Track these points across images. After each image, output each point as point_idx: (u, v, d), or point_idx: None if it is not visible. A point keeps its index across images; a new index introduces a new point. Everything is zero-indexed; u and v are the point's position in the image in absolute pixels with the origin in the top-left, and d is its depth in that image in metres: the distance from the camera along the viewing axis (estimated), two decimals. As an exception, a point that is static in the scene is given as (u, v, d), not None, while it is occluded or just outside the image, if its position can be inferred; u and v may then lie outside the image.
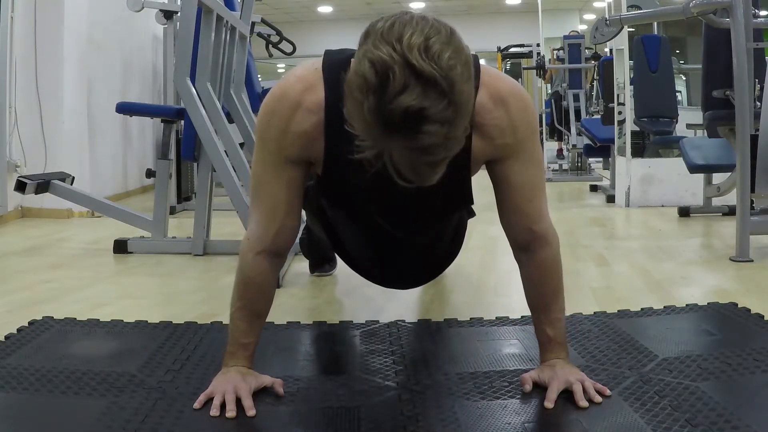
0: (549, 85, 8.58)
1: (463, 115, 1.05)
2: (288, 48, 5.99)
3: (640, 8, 4.72)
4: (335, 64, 1.28)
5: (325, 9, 12.12)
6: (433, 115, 1.01)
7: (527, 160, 1.37)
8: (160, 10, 5.17)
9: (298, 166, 1.38)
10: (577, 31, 8.69)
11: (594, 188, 6.04)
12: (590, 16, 11.33)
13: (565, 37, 7.74)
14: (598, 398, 1.34)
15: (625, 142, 5.16)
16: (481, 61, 1.37)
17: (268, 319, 1.95)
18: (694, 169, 3.84)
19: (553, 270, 1.43)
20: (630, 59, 5.24)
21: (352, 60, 1.08)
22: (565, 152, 8.24)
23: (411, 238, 1.72)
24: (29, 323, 1.90)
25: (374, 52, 1.02)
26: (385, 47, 1.02)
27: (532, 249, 1.42)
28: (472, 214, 2.00)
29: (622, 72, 5.39)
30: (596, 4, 10.99)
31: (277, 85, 1.36)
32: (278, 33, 5.88)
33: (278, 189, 1.38)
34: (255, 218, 1.41)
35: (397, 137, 1.04)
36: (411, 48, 1.02)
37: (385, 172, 1.10)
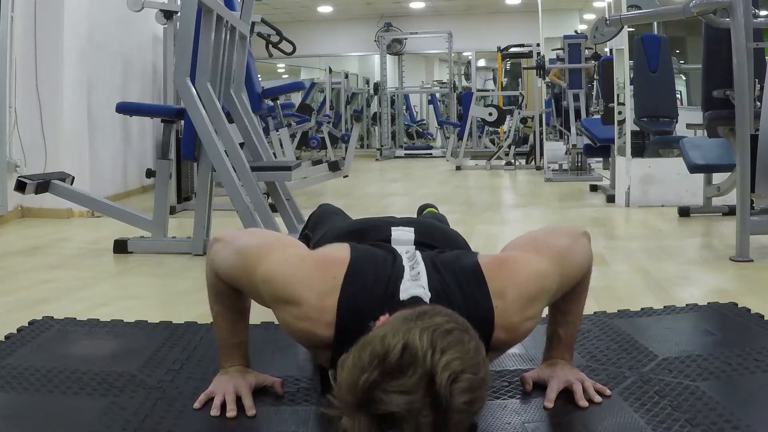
0: (549, 85, 8.57)
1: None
2: (288, 48, 5.99)
3: (640, 8, 4.72)
4: (351, 322, 1.20)
5: (325, 9, 12.11)
6: (406, 429, 0.94)
7: (558, 293, 1.33)
8: (160, 10, 5.17)
9: None
10: (578, 31, 8.70)
11: (594, 188, 6.04)
12: (590, 16, 11.32)
13: (566, 37, 7.74)
14: (598, 398, 1.34)
15: (625, 142, 5.15)
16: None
17: (267, 320, 1.95)
18: (694, 169, 3.84)
19: (582, 281, 1.42)
20: (630, 59, 5.24)
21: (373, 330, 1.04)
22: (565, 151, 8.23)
23: None
24: (29, 323, 1.90)
25: (411, 337, 0.96)
26: (423, 339, 0.96)
27: None
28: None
29: (622, 72, 5.39)
30: (596, 4, 10.98)
31: (293, 288, 1.24)
32: (278, 33, 5.88)
33: (251, 294, 1.34)
34: (228, 263, 1.33)
35: (362, 419, 0.96)
36: (445, 368, 0.94)
37: None
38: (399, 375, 0.93)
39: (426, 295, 1.20)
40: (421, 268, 1.27)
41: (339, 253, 1.31)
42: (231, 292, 1.37)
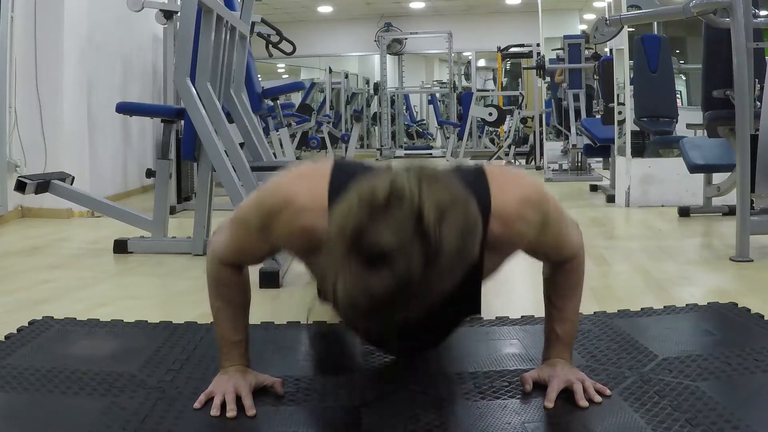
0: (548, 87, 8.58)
1: (443, 263, 0.97)
2: (288, 48, 5.99)
3: (640, 8, 4.72)
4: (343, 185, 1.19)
5: (325, 9, 12.10)
6: (397, 266, 0.94)
7: (549, 231, 1.32)
8: (160, 10, 5.17)
9: (284, 249, 1.35)
10: (585, 32, 8.68)
11: (594, 188, 6.04)
12: (590, 16, 11.32)
13: (566, 37, 7.74)
14: (598, 398, 1.34)
15: (625, 142, 5.15)
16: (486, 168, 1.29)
17: (268, 319, 1.95)
18: (694, 169, 3.84)
19: (574, 271, 1.41)
20: (630, 59, 5.24)
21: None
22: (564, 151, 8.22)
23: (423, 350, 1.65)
24: (29, 323, 1.90)
25: (398, 177, 0.96)
26: (410, 178, 0.96)
27: (561, 264, 1.42)
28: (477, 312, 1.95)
29: (622, 72, 5.39)
30: (596, 4, 10.98)
31: (283, 190, 1.26)
32: (278, 33, 5.88)
33: (255, 247, 1.34)
34: (226, 240, 1.36)
35: (353, 263, 0.96)
36: (433, 204, 0.94)
37: None
38: (386, 213, 0.94)
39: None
40: None
41: (320, 163, 1.32)
42: (234, 281, 1.38)
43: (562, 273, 1.41)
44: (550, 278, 1.43)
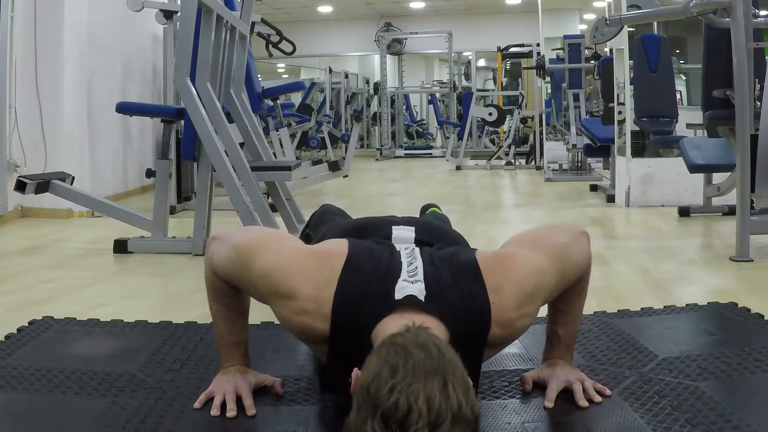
0: (549, 86, 8.58)
1: None
2: (288, 48, 5.99)
3: (640, 8, 4.71)
4: (347, 318, 1.21)
5: (325, 9, 12.10)
6: None
7: (554, 288, 1.32)
8: (160, 10, 5.17)
9: None
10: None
11: (594, 188, 6.04)
12: (590, 16, 11.33)
13: (566, 37, 7.74)
14: (598, 398, 1.34)
15: (625, 142, 5.15)
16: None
17: (267, 319, 1.95)
18: (694, 168, 3.84)
19: (580, 281, 1.42)
20: (630, 59, 5.24)
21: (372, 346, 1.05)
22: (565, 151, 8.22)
23: None
24: (29, 323, 1.90)
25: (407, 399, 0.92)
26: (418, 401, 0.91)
27: None
28: None
29: (622, 72, 5.39)
30: (596, 4, 10.99)
31: (289, 281, 1.24)
32: (278, 33, 5.88)
33: (250, 292, 1.35)
34: (226, 258, 1.34)
35: None
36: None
37: None
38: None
39: (421, 293, 1.20)
40: (419, 263, 1.27)
41: (337, 247, 1.31)
42: (230, 291, 1.37)
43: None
44: None
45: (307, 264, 1.26)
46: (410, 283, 1.22)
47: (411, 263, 1.27)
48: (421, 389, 0.93)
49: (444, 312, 1.20)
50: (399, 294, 1.20)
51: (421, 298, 1.20)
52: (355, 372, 1.04)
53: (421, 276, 1.24)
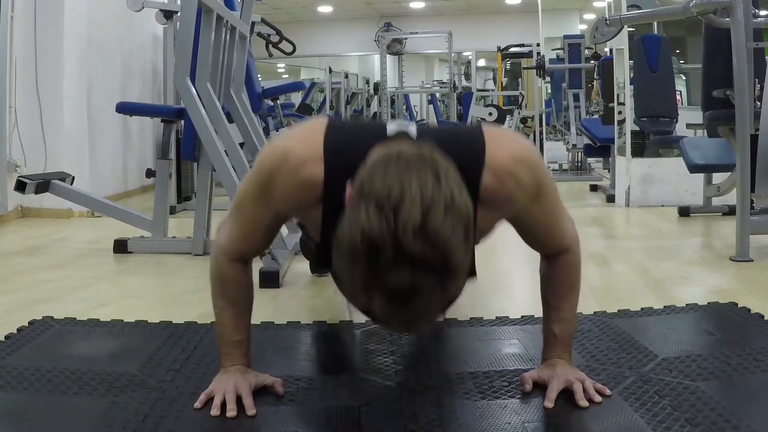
0: (549, 86, 8.58)
1: (458, 276, 1.02)
2: (288, 48, 5.99)
3: (640, 8, 4.72)
4: (339, 152, 1.23)
5: (325, 9, 12.09)
6: (424, 290, 0.99)
7: (542, 204, 1.32)
8: (160, 10, 5.17)
9: (286, 217, 1.39)
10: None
11: (594, 188, 6.04)
12: (590, 16, 11.32)
13: (566, 37, 7.73)
14: (598, 398, 1.34)
15: (625, 142, 5.15)
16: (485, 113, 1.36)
17: (267, 319, 1.95)
18: (694, 168, 3.84)
19: (570, 270, 1.41)
20: (630, 59, 5.24)
21: (358, 171, 1.06)
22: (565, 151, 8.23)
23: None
24: (29, 323, 1.90)
25: (365, 222, 0.97)
26: (377, 218, 0.97)
27: (555, 257, 1.41)
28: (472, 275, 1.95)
29: (622, 72, 5.39)
30: (596, 4, 10.98)
31: (279, 147, 1.29)
32: (278, 33, 5.88)
33: (259, 221, 1.36)
34: (230, 230, 1.38)
35: (387, 307, 1.01)
36: (405, 227, 0.96)
37: None
38: (377, 258, 0.97)
39: (413, 133, 1.23)
40: (412, 126, 1.28)
41: (313, 121, 1.34)
42: (239, 280, 1.39)
43: (557, 270, 1.41)
44: (547, 276, 1.43)
45: (290, 137, 1.32)
46: (402, 127, 1.25)
47: (401, 124, 1.28)
48: (414, 177, 0.98)
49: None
50: (391, 131, 1.23)
51: (413, 136, 1.23)
52: (349, 183, 1.08)
53: (413, 126, 1.26)
